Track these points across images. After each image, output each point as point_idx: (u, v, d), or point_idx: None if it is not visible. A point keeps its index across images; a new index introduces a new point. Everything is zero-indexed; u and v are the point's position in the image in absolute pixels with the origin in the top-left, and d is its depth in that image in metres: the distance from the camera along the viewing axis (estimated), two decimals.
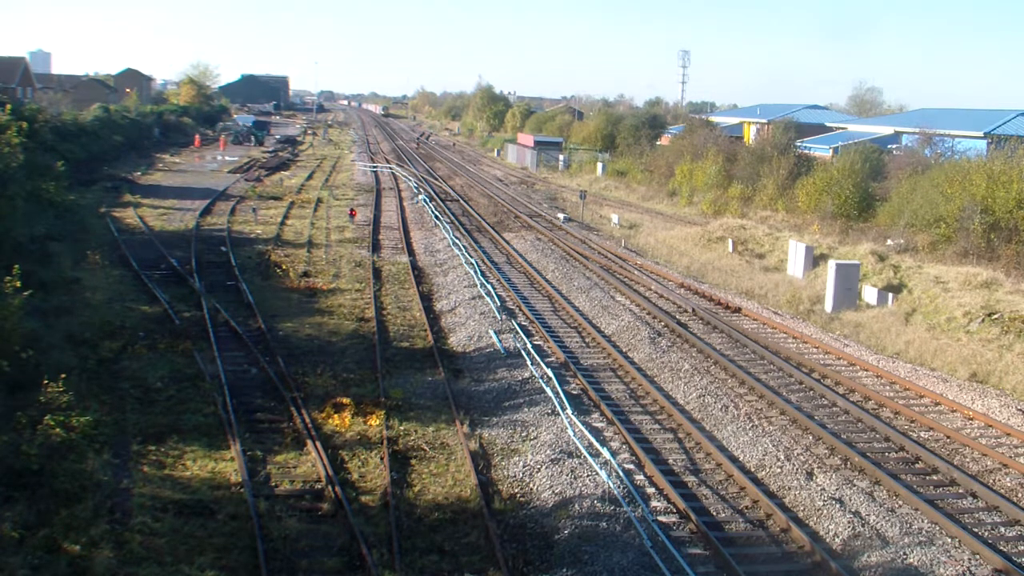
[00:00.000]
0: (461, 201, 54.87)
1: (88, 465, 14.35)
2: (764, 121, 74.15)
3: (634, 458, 17.19)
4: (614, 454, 17.00)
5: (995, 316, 26.02)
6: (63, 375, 16.09)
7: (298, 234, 39.90)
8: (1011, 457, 17.73)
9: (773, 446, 17.68)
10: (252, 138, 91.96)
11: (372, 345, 23.53)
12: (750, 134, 75.30)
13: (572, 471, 16.10)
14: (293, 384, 19.98)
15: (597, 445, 17.23)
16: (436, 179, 67.56)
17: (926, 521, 14.87)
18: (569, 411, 18.89)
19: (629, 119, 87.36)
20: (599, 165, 75.15)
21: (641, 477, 16.38)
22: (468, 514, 14.83)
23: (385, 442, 17.30)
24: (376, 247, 37.75)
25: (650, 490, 15.87)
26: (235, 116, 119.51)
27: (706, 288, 32.16)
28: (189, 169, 64.85)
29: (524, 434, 18.12)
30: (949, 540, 14.22)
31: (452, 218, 46.66)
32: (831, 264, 30.38)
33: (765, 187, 51.11)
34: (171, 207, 45.06)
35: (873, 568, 13.44)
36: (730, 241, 40.49)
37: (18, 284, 17.56)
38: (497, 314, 26.70)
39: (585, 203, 51.40)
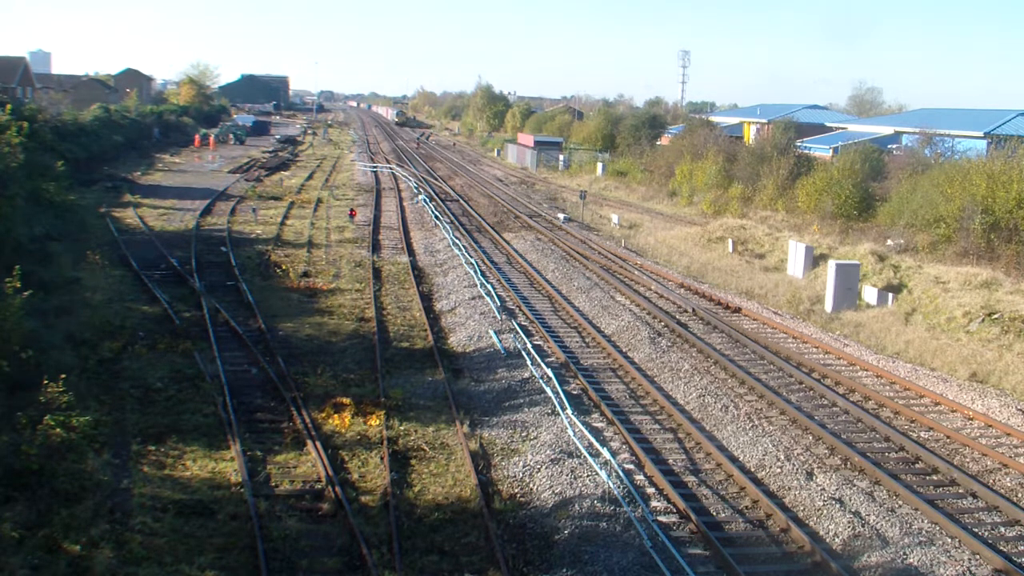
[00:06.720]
0: (461, 201, 54.86)
1: (88, 465, 14.36)
2: (764, 121, 74.16)
3: (634, 458, 17.19)
4: (614, 454, 17.00)
5: (995, 316, 26.02)
6: (63, 375, 16.08)
7: (298, 234, 39.91)
8: (1011, 457, 17.74)
9: (773, 446, 17.68)
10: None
11: (372, 345, 23.53)
12: (750, 134, 75.30)
13: (572, 471, 16.10)
14: (293, 384, 19.98)
15: (597, 445, 17.23)
16: (436, 179, 67.55)
17: (926, 521, 14.87)
18: (569, 411, 18.88)
19: (629, 119, 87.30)
20: (599, 165, 75.14)
21: (641, 477, 16.38)
22: (468, 514, 14.83)
23: (385, 442, 17.30)
24: (376, 247, 37.75)
25: (650, 490, 15.87)
26: (235, 116, 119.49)
27: (706, 288, 32.16)
28: (189, 169, 64.88)
29: (524, 434, 18.12)
30: (949, 540, 14.22)
31: (452, 218, 46.66)
32: (831, 264, 30.38)
33: (765, 187, 51.09)
34: (171, 207, 45.09)
35: (873, 568, 13.44)
36: (730, 241, 40.49)
37: (18, 284, 17.56)
38: (497, 314, 26.69)
39: (585, 203, 51.40)
